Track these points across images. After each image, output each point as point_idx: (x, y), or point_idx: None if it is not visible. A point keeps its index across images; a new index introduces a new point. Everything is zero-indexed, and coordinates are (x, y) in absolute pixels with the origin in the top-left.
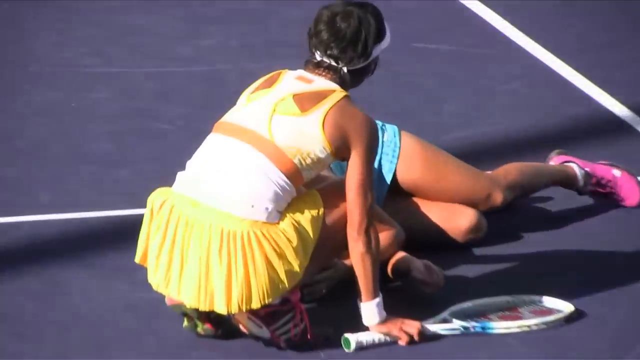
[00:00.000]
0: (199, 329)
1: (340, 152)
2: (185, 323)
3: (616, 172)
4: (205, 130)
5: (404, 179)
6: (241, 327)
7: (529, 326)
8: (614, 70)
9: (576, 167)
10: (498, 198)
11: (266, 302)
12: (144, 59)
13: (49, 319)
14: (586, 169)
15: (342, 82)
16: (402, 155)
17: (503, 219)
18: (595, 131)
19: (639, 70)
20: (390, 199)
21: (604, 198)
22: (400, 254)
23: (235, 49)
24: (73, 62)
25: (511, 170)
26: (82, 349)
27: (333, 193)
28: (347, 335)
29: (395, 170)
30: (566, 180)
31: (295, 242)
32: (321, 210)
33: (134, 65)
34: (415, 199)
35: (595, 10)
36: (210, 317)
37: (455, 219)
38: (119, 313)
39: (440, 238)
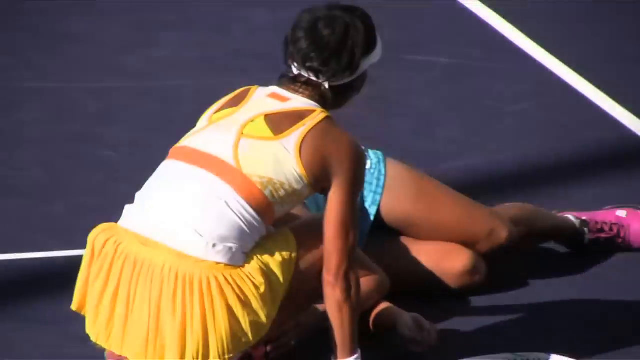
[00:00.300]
0: None
1: (319, 182)
2: None
3: (621, 213)
4: (156, 157)
5: (390, 212)
6: None
7: None
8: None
9: (570, 216)
10: (503, 233)
11: (226, 358)
12: (83, 73)
13: None
14: (583, 217)
15: (323, 101)
16: (388, 185)
17: (504, 263)
18: (619, 160)
19: None
20: (374, 238)
21: (611, 245)
22: (385, 305)
23: (193, 61)
24: None
25: (512, 206)
26: None
27: (308, 232)
28: None
29: (379, 203)
30: (567, 227)
31: (262, 288)
32: (294, 253)
33: (70, 80)
34: (402, 239)
35: (622, 15)
36: None
37: (448, 260)
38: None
39: (432, 284)
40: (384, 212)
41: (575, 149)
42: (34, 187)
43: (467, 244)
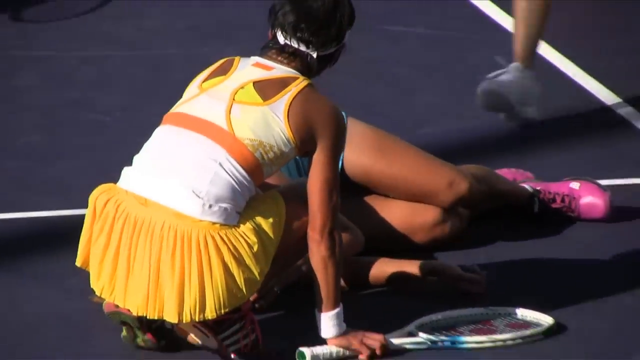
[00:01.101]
0: (139, 340)
1: (305, 145)
2: (124, 333)
3: (574, 185)
4: (149, 121)
5: (352, 166)
6: (187, 337)
7: (504, 340)
8: (611, 58)
9: (526, 185)
10: (463, 184)
11: (222, 312)
12: (77, 42)
13: None
14: (537, 187)
15: (307, 70)
16: (349, 141)
17: (475, 224)
18: (588, 129)
19: (633, 59)
20: (346, 198)
21: (560, 215)
22: (383, 259)
23: (183, 31)
24: None
25: (473, 166)
26: None
27: (294, 195)
28: (302, 348)
29: (342, 160)
30: (522, 194)
31: (255, 247)
32: (283, 212)
33: (65, 49)
34: (372, 198)
35: None
36: (151, 327)
37: (419, 216)
38: (51, 323)
39: (403, 240)
40: (346, 167)
41: (545, 117)
42: (33, 150)
43: (429, 196)
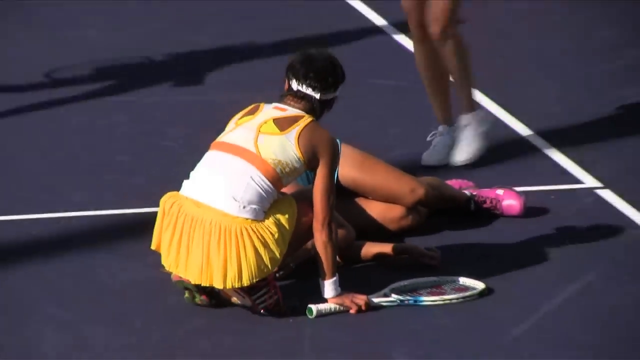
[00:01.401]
0: (197, 300)
1: (310, 162)
2: (186, 295)
3: (499, 192)
4: (201, 147)
5: (344, 178)
6: (230, 298)
7: (450, 300)
8: (521, 90)
9: (465, 191)
10: (420, 191)
11: (253, 281)
12: (153, 90)
13: (83, 291)
14: (473, 193)
15: (311, 111)
16: (342, 160)
17: (430, 219)
18: (509, 151)
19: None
20: (340, 203)
21: (489, 212)
22: (370, 244)
23: (226, 82)
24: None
25: (429, 177)
26: (106, 312)
27: (303, 198)
28: (310, 305)
29: (337, 173)
30: (462, 197)
31: (277, 236)
32: (295, 210)
33: (146, 94)
34: (358, 199)
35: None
36: (206, 291)
37: (390, 212)
38: (135, 287)
39: (380, 229)
40: (340, 178)
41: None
42: (124, 166)
43: (397, 199)
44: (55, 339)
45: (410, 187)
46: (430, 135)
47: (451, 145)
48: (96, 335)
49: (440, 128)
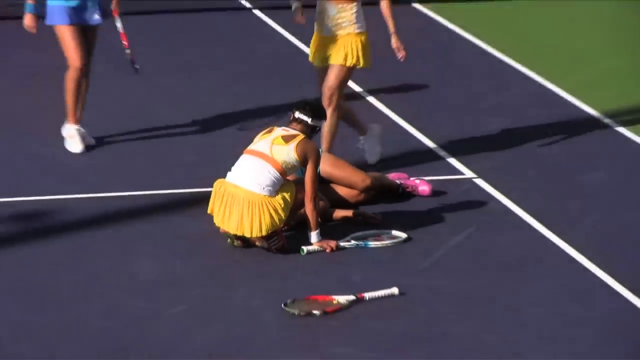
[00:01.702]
0: (235, 244)
1: (303, 162)
2: (229, 241)
3: (417, 181)
4: (237, 151)
5: (323, 171)
6: (255, 243)
7: (387, 244)
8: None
9: (397, 180)
10: (368, 181)
11: (269, 232)
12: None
13: (173, 237)
14: (400, 181)
15: (304, 131)
16: (322, 161)
17: (374, 198)
18: (414, 155)
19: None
20: (321, 186)
21: (411, 195)
22: (343, 211)
23: (254, 111)
24: None
25: (374, 172)
26: (186, 246)
27: (299, 183)
28: (302, 246)
29: (319, 169)
30: (394, 185)
31: (282, 205)
32: (294, 190)
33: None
34: (332, 185)
35: None
36: (240, 238)
37: (350, 192)
38: (200, 234)
39: (345, 202)
40: (321, 172)
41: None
42: (196, 163)
43: (354, 185)
44: (149, 267)
45: (361, 179)
46: (358, 144)
47: (369, 149)
48: (176, 262)
49: (360, 139)
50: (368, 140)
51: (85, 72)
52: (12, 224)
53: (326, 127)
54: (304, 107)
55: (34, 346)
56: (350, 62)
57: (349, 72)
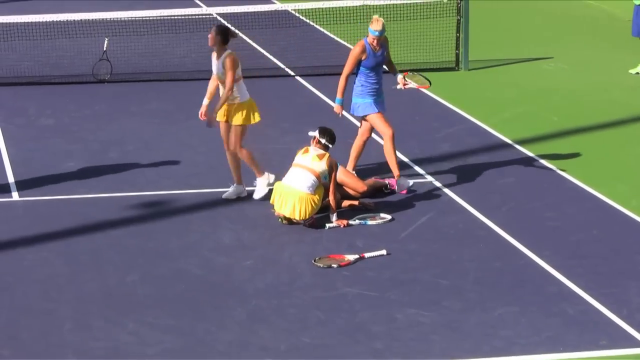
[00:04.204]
0: (283, 222)
1: (329, 172)
2: (279, 220)
3: (392, 182)
4: (287, 164)
5: (339, 178)
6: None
7: (379, 222)
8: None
9: (386, 181)
10: (365, 187)
11: (307, 216)
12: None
13: (247, 216)
14: (386, 182)
15: (324, 150)
16: (338, 172)
17: (370, 196)
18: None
19: None
20: (336, 186)
21: (392, 193)
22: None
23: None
24: None
25: (369, 179)
26: (245, 223)
27: (324, 185)
28: (325, 223)
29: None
30: (381, 185)
31: (317, 199)
32: (322, 191)
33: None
34: (343, 187)
35: None
36: (287, 219)
37: (354, 192)
38: (266, 214)
39: (351, 196)
40: (337, 179)
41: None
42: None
43: (356, 189)
44: (229, 236)
45: (360, 185)
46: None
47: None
48: (245, 233)
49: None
50: (260, 181)
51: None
52: (150, 211)
53: (352, 151)
54: (324, 133)
55: (155, 289)
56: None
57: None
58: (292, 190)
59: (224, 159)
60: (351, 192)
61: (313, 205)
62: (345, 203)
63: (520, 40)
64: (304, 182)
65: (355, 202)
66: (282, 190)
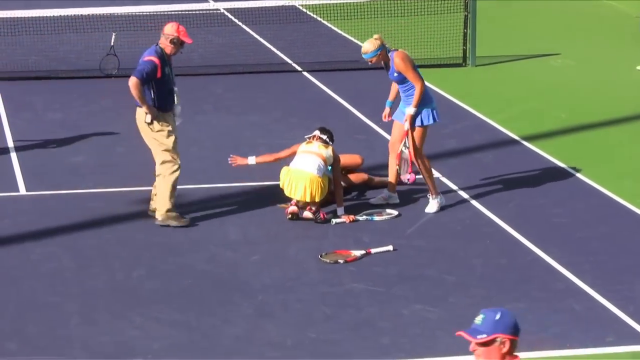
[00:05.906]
0: (291, 217)
1: (335, 160)
2: (287, 216)
3: (412, 178)
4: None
5: (342, 164)
6: (305, 216)
7: (385, 218)
8: None
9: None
10: (359, 159)
11: (317, 200)
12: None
13: (237, 212)
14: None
15: (326, 144)
16: (341, 159)
17: (378, 192)
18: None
19: None
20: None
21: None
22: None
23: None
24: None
25: (383, 177)
26: (252, 219)
27: (329, 175)
28: (332, 219)
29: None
30: (377, 182)
31: (325, 183)
32: (328, 178)
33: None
34: (347, 176)
35: None
36: (295, 213)
37: (358, 178)
38: (266, 212)
39: (352, 183)
40: (341, 164)
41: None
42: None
43: (356, 163)
44: (235, 231)
45: (356, 160)
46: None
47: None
48: (252, 228)
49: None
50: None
51: None
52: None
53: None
54: (324, 132)
55: (161, 284)
56: None
57: None
58: (302, 173)
59: (228, 155)
60: (353, 180)
61: (322, 187)
62: (357, 177)
63: (528, 37)
64: (313, 164)
65: (365, 176)
66: (291, 175)
